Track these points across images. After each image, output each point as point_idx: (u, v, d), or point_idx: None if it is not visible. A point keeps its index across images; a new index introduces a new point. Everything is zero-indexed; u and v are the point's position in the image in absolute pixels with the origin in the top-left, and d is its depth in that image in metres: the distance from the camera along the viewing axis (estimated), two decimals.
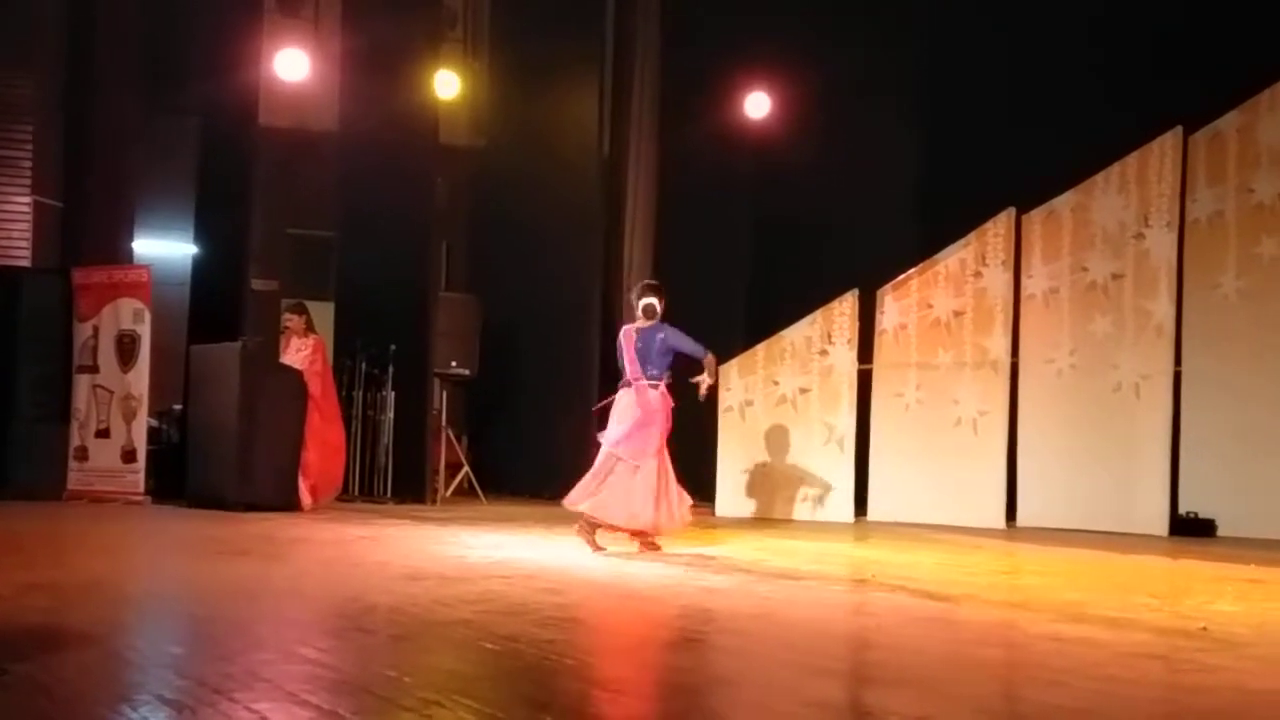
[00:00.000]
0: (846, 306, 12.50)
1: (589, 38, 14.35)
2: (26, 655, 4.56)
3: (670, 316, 13.99)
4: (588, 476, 9.03)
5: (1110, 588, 7.49)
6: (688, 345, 9.15)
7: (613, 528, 8.88)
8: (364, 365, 13.35)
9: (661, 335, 9.04)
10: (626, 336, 9.14)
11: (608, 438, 9.01)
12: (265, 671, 4.49)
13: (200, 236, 14.31)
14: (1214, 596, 7.08)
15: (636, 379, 8.98)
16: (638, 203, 14.11)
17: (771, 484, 12.52)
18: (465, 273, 15.96)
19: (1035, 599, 6.98)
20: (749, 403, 12.88)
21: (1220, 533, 11.05)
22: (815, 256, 13.31)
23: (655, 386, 8.98)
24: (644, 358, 9.00)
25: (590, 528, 8.81)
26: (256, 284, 14.40)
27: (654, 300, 9.15)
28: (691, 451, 13.53)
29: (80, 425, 12.61)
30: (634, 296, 9.35)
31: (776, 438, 12.59)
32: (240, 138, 13.79)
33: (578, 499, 8.97)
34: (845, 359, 12.44)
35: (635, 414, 8.90)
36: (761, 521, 11.98)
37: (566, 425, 14.03)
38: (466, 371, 13.80)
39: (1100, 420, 11.57)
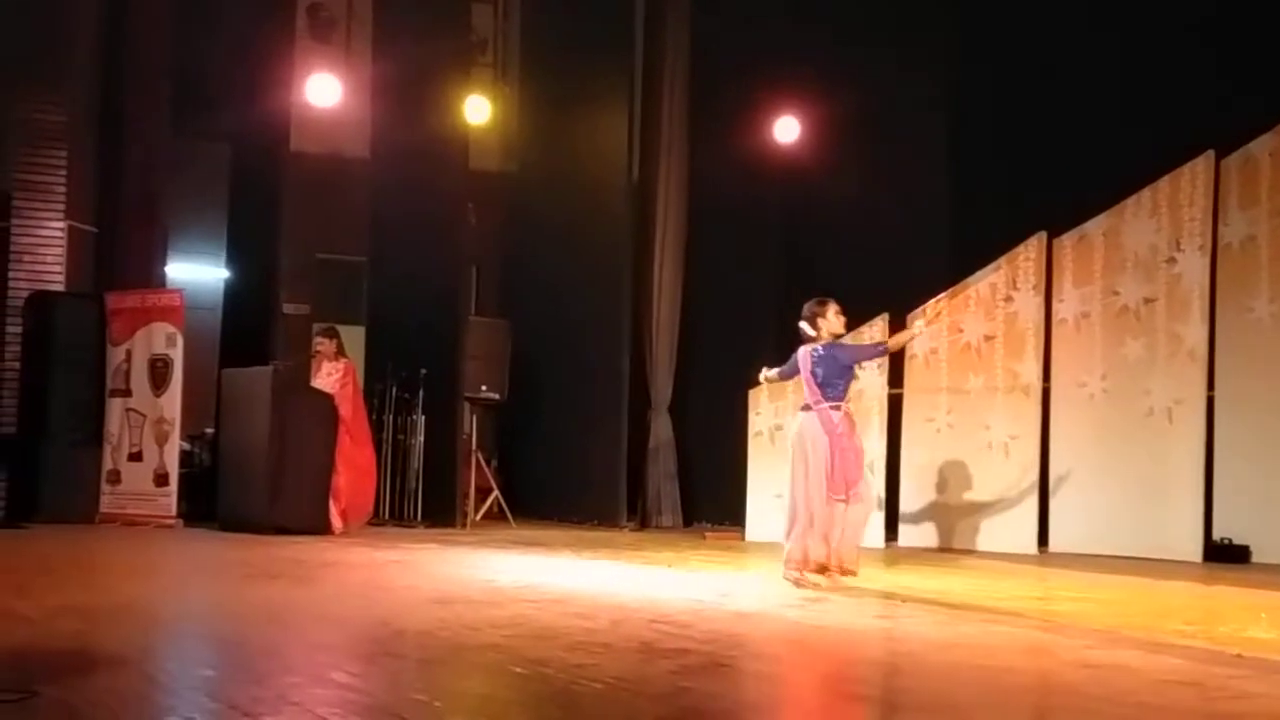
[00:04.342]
0: (876, 331, 12.45)
1: (618, 62, 14.41)
2: (58, 677, 4.58)
3: (701, 339, 14.14)
4: (800, 527, 8.42)
5: (1144, 614, 7.43)
6: (867, 353, 8.88)
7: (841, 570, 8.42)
8: (394, 389, 13.40)
9: (838, 354, 8.67)
10: (803, 358, 8.66)
11: (810, 485, 8.42)
12: (295, 695, 4.50)
13: (232, 261, 14.41)
14: (1248, 623, 7.01)
15: (818, 403, 8.54)
16: (667, 226, 14.14)
17: None
18: (495, 297, 16.01)
19: (1067, 625, 6.93)
20: (778, 427, 12.85)
21: (1255, 559, 10.94)
22: (844, 280, 13.25)
23: (838, 408, 8.57)
24: (823, 379, 8.56)
25: (800, 567, 8.43)
26: (288, 308, 14.48)
27: (804, 325, 8.70)
28: (722, 475, 13.59)
29: (113, 449, 12.69)
30: (805, 315, 8.72)
31: None
32: (271, 163, 13.90)
33: (805, 553, 8.40)
34: (876, 383, 12.41)
35: (824, 445, 8.43)
36: None
37: (597, 449, 14.05)
38: (496, 396, 13.82)
39: (1133, 445, 11.48)
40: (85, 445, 12.66)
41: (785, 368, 8.97)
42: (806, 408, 8.63)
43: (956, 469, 12.10)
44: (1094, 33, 12.27)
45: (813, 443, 8.47)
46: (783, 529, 8.65)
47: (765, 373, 9.21)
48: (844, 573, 8.42)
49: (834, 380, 8.56)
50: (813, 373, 8.57)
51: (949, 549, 11.65)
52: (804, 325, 8.69)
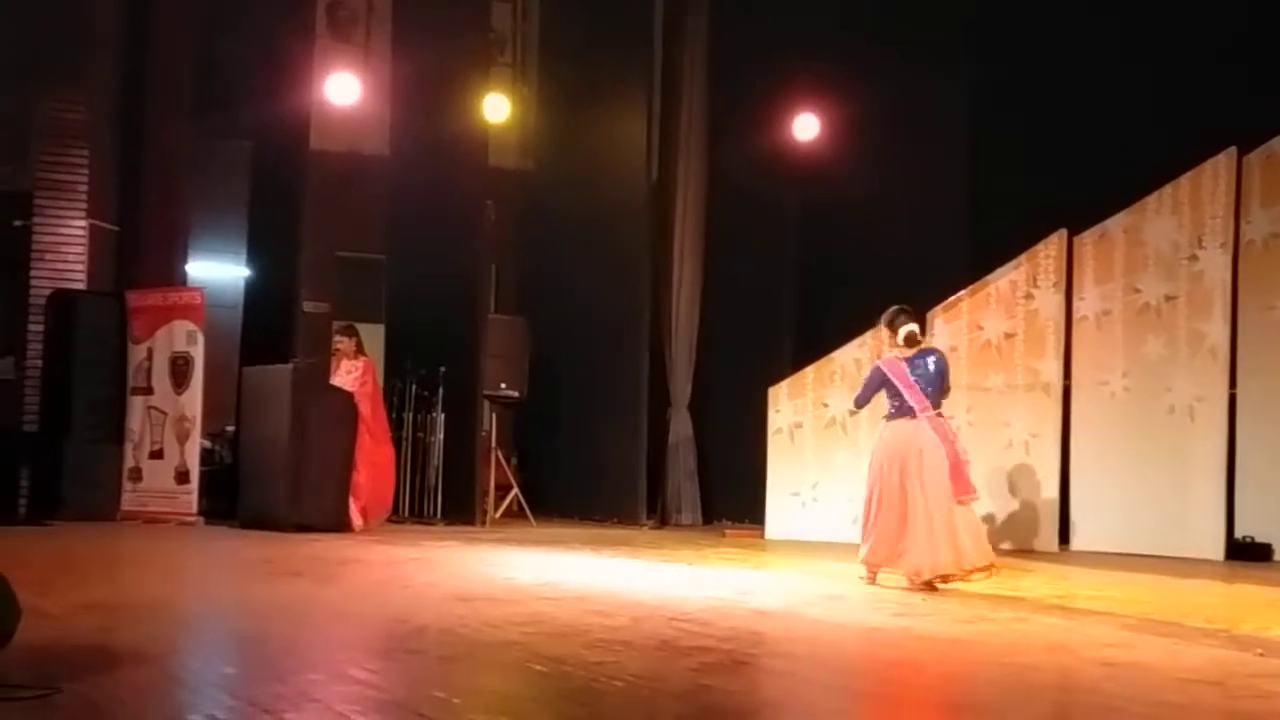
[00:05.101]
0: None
1: (637, 61, 14.41)
2: (80, 674, 4.60)
3: (721, 336, 14.13)
4: (918, 537, 8.32)
5: (1165, 612, 7.40)
6: (946, 379, 8.64)
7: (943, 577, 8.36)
8: (414, 387, 13.42)
9: (934, 358, 8.64)
10: (894, 368, 8.54)
11: (931, 495, 8.34)
12: (316, 692, 4.52)
13: (252, 259, 14.44)
14: (1271, 621, 6.98)
15: (925, 410, 8.43)
16: (686, 224, 14.15)
17: (822, 507, 12.48)
18: (514, 295, 16.02)
19: (1088, 623, 6.92)
20: (798, 425, 12.85)
21: (1277, 557, 10.91)
22: (864, 278, 13.27)
23: (942, 415, 8.52)
24: (924, 386, 8.47)
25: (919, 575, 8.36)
26: (307, 306, 14.50)
27: (915, 327, 8.69)
28: (742, 473, 13.58)
29: (134, 446, 12.73)
30: (886, 325, 8.74)
31: (827, 460, 12.54)
32: (292, 161, 13.91)
33: (926, 565, 8.32)
34: None
35: (942, 452, 8.35)
36: (813, 544, 11.93)
37: (616, 446, 14.05)
38: (516, 393, 13.83)
39: (1154, 443, 11.44)
40: (107, 443, 12.71)
41: (866, 388, 8.86)
42: (909, 415, 8.45)
43: (977, 467, 12.02)
44: (1115, 29, 12.21)
45: (932, 452, 8.35)
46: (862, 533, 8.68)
47: (854, 409, 9.31)
48: (983, 570, 8.34)
49: (935, 387, 8.52)
50: (914, 381, 8.47)
51: None
52: (891, 334, 8.66)
